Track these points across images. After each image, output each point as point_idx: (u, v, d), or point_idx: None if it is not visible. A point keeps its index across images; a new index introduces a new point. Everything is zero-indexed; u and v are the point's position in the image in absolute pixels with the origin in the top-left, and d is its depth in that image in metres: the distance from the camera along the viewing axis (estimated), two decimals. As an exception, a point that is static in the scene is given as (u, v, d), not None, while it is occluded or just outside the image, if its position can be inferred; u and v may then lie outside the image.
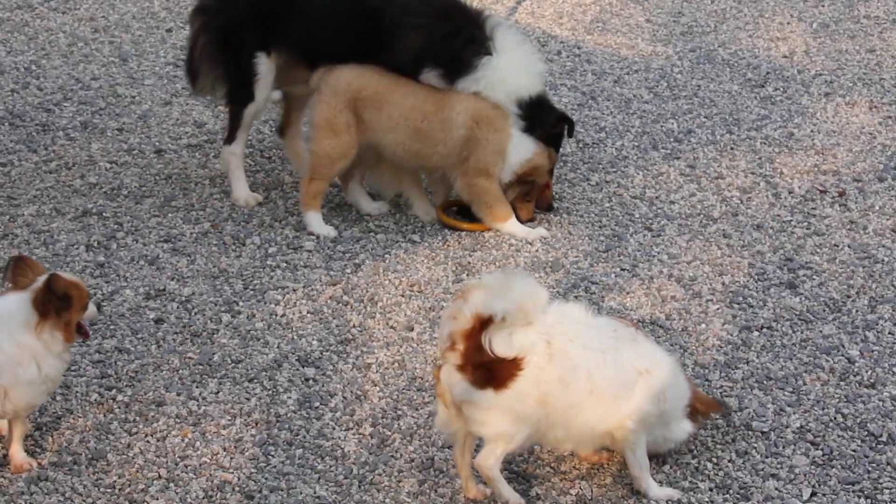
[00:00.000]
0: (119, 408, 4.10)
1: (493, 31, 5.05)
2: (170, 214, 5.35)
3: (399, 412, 4.10)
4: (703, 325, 4.54)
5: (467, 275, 4.94)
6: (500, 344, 3.39)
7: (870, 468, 3.84)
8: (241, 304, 4.71)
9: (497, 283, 3.45)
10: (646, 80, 6.77)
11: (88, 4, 7.71)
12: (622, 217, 5.36)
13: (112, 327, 4.53)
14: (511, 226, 5.15)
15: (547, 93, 5.27)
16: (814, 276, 4.89)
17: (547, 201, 5.31)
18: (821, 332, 4.52)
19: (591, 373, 3.45)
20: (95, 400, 4.12)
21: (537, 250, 5.10)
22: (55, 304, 3.59)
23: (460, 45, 5.03)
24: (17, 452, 3.75)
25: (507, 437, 3.48)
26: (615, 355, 3.49)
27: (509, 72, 5.02)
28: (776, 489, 3.75)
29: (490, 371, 3.40)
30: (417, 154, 5.15)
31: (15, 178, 5.59)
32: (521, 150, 5.09)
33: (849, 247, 5.11)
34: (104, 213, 5.33)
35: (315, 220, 5.21)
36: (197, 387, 4.23)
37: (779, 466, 3.84)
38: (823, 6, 7.85)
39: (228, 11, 5.24)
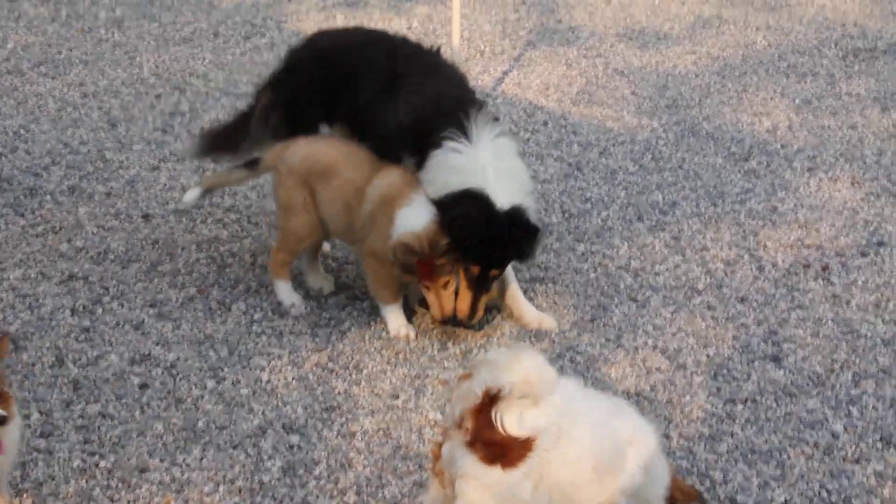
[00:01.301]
0: (102, 474, 4.06)
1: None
2: (156, 279, 5.36)
3: (384, 481, 4.08)
4: (688, 398, 4.55)
5: (452, 343, 4.95)
6: (511, 422, 3.34)
7: (855, 543, 3.84)
8: (226, 370, 4.70)
9: (504, 359, 3.41)
10: (631, 152, 6.85)
11: (78, 70, 7.77)
12: (607, 287, 5.39)
13: (96, 392, 4.51)
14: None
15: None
16: (798, 350, 4.91)
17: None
18: (805, 406, 4.53)
19: (594, 450, 3.43)
20: (78, 466, 4.09)
21: (523, 320, 5.11)
22: None
23: (437, 138, 4.78)
24: None
25: None
26: (610, 427, 3.48)
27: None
28: (761, 563, 3.73)
29: (502, 448, 3.34)
30: (347, 229, 5.02)
31: (1, 241, 5.59)
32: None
33: (832, 321, 5.14)
34: (90, 278, 5.33)
35: (283, 289, 5.16)
36: (181, 453, 4.20)
37: (764, 540, 3.83)
38: (806, 83, 7.98)
39: (298, 85, 5.26)
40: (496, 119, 4.93)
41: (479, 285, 4.79)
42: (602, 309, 5.20)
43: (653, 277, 5.48)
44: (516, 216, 4.69)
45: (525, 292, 5.30)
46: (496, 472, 3.34)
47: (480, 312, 4.86)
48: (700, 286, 5.40)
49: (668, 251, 5.73)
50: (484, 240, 4.68)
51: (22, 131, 6.76)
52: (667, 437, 4.24)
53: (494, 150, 4.77)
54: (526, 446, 3.34)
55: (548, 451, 3.37)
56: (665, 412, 4.44)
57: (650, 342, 4.94)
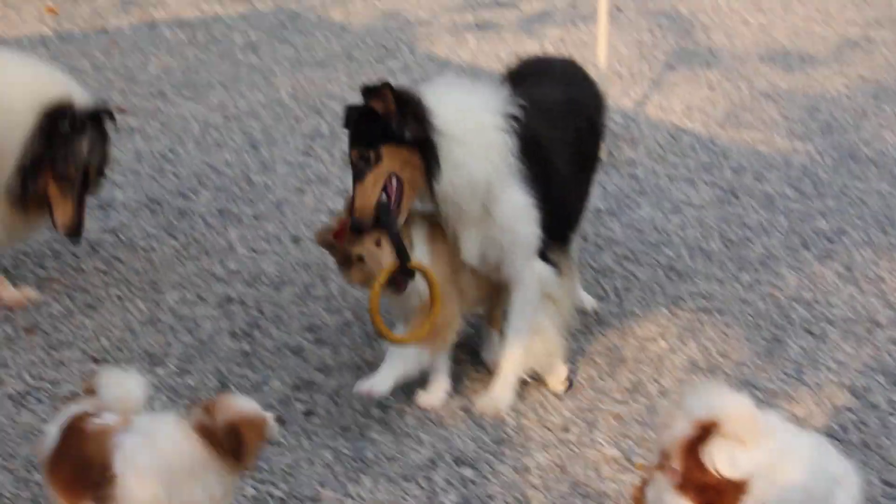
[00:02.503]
0: (275, 503, 3.95)
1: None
2: (310, 303, 5.26)
3: (565, 519, 3.90)
4: (885, 440, 4.28)
5: (620, 370, 4.75)
6: (724, 464, 3.14)
7: None
8: (390, 398, 4.57)
9: (712, 395, 3.23)
10: (787, 177, 6.59)
11: (218, 93, 7.77)
12: (780, 319, 5.14)
13: (262, 419, 4.40)
14: None
15: None
16: None
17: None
18: None
19: (808, 492, 3.22)
20: (252, 495, 3.98)
21: (692, 351, 4.90)
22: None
23: None
24: None
25: None
26: (821, 466, 3.27)
27: None
28: None
29: (717, 493, 3.14)
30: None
31: (157, 263, 5.55)
32: None
33: None
34: (245, 301, 5.26)
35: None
36: (352, 484, 4.07)
37: None
38: (964, 106, 7.65)
39: None
40: None
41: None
42: (777, 342, 4.96)
43: (828, 309, 5.21)
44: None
45: (691, 322, 5.09)
46: None
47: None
48: (881, 320, 5.12)
49: (840, 282, 5.46)
50: None
51: (169, 153, 6.75)
52: (868, 483, 3.98)
53: None
54: (740, 489, 3.14)
55: (764, 492, 3.16)
56: (860, 455, 4.18)
57: (834, 378, 4.68)
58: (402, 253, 4.17)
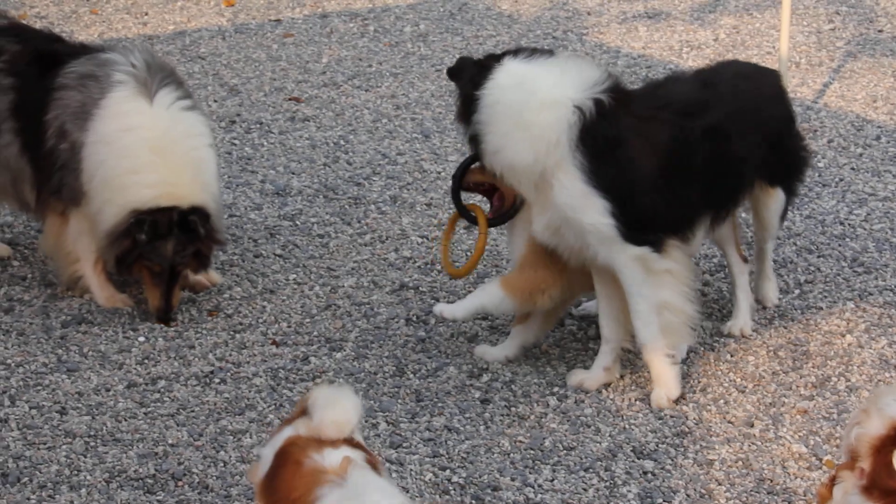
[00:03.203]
0: (455, 489, 3.94)
1: None
2: (484, 292, 5.23)
3: (751, 516, 3.78)
4: None
5: (805, 365, 4.59)
6: None
7: None
8: (567, 387, 4.51)
9: None
10: (983, 169, 6.27)
11: (389, 83, 7.83)
12: (977, 316, 4.89)
13: (440, 405, 4.41)
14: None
15: None
16: None
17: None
18: None
19: None
20: (430, 480, 3.98)
21: (882, 347, 4.70)
22: None
23: None
24: None
25: None
26: None
27: None
28: None
29: None
30: None
31: (333, 249, 5.62)
32: None
33: None
34: (420, 288, 5.27)
35: None
36: (531, 473, 4.03)
37: None
38: None
39: None
40: None
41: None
42: (975, 339, 4.72)
43: None
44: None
45: (880, 317, 4.87)
46: None
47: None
48: None
49: None
50: None
51: (342, 142, 6.83)
52: None
53: None
54: None
55: None
56: None
57: None
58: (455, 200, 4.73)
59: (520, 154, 4.24)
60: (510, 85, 4.28)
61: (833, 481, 3.20)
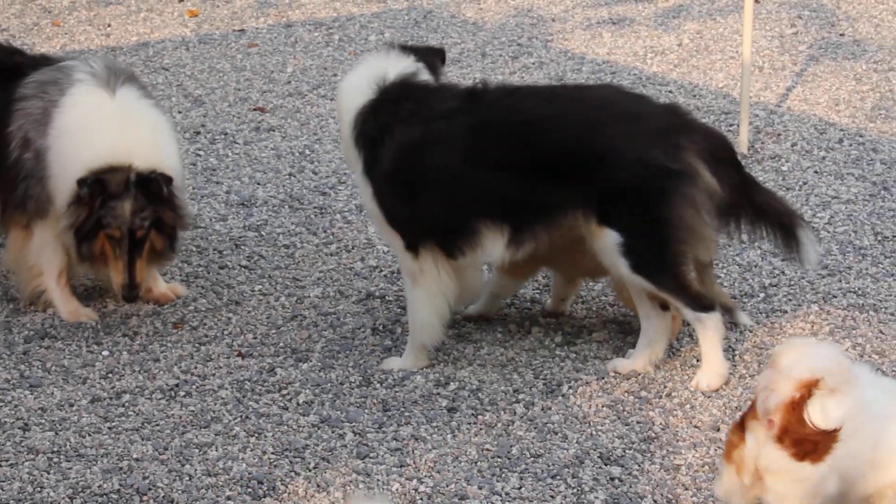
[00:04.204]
0: (421, 499, 3.93)
1: None
2: (451, 300, 5.23)
3: (718, 520, 3.79)
4: None
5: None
6: (818, 416, 3.34)
7: None
8: (534, 394, 4.52)
9: (807, 348, 3.49)
10: (943, 171, 6.33)
11: (354, 91, 7.82)
12: (941, 317, 4.93)
13: (406, 414, 4.39)
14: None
15: None
16: None
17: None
18: None
19: (877, 443, 3.43)
20: (397, 490, 3.97)
21: (847, 349, 4.73)
22: None
23: None
24: None
25: None
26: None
27: None
28: None
29: (813, 444, 3.35)
30: None
31: (298, 259, 5.60)
32: None
33: None
34: (387, 297, 5.26)
35: None
36: (498, 481, 4.03)
37: None
38: None
39: None
40: None
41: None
42: (941, 340, 4.76)
43: None
44: None
45: (844, 320, 4.91)
46: (807, 467, 3.38)
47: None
48: None
49: None
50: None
51: (307, 151, 6.81)
52: None
53: None
54: (832, 438, 3.35)
55: (846, 442, 3.36)
56: None
57: None
58: None
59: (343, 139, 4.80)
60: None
61: (742, 428, 3.47)
